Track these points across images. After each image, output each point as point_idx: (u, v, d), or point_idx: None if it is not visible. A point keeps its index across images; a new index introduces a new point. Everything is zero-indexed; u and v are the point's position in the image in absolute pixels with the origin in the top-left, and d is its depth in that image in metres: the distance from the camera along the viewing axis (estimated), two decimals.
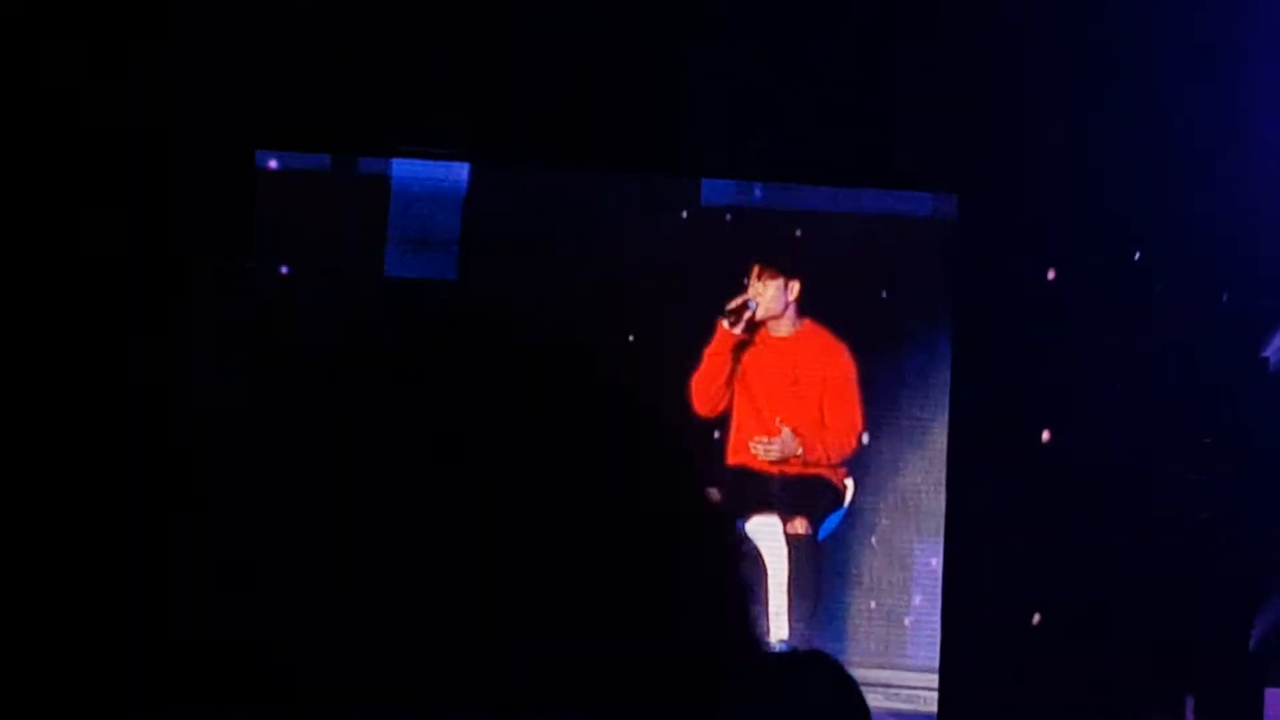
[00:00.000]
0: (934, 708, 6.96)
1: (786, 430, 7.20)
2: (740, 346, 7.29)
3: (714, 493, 7.16)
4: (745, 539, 7.23)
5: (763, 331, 7.33)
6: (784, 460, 7.21)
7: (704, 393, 7.33)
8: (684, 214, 7.33)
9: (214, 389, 6.68)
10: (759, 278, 7.26)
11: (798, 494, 7.15)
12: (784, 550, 7.14)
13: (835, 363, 7.28)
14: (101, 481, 6.47)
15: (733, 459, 7.36)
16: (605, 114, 6.83)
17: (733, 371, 7.30)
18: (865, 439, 7.38)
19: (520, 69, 6.75)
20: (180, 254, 6.56)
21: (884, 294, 7.83)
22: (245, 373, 6.83)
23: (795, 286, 7.28)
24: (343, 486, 6.68)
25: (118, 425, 6.50)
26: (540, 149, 7.13)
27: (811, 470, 7.21)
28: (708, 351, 7.31)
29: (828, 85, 6.72)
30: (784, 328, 7.32)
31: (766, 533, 7.20)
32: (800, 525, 7.11)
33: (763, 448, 7.23)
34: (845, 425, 7.25)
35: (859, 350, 7.36)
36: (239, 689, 6.39)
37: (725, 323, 7.24)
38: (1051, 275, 6.65)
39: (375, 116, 6.87)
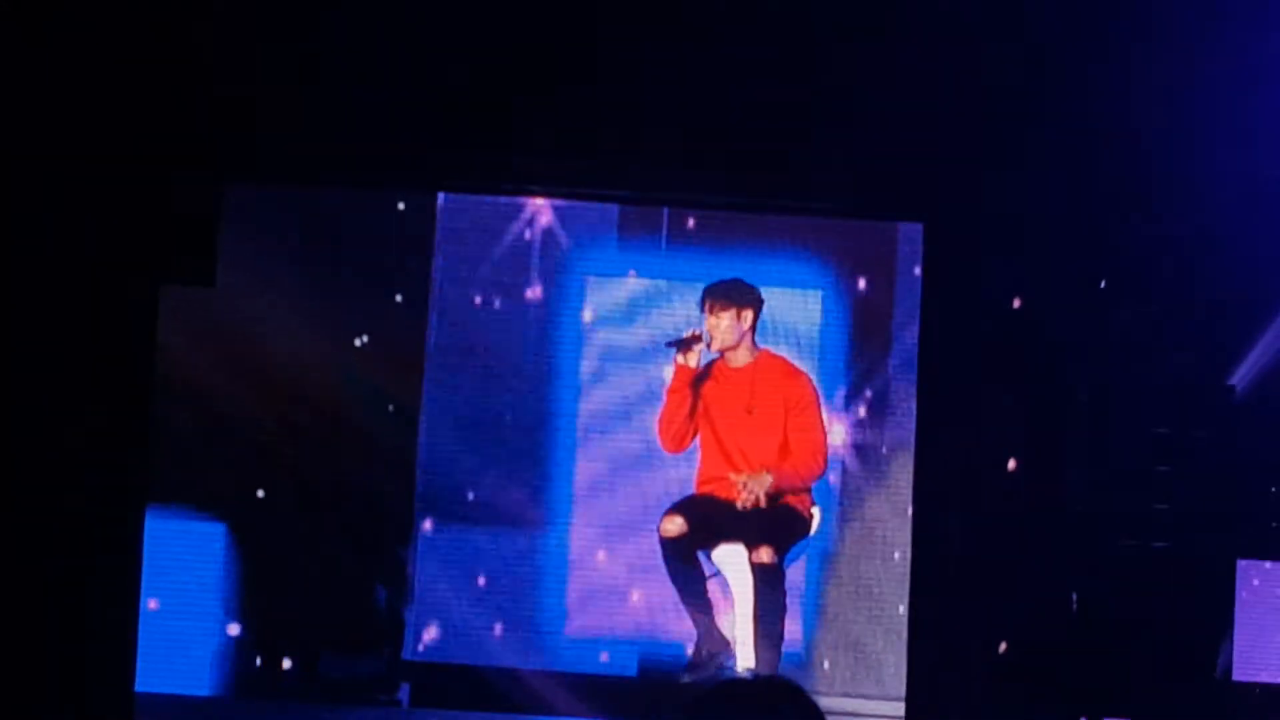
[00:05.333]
0: None
1: (765, 475, 7.15)
2: (698, 380, 7.28)
3: (680, 521, 7.13)
4: (711, 568, 7.21)
5: (720, 363, 7.33)
6: (760, 496, 7.14)
7: (667, 430, 7.33)
8: None
9: None
10: (711, 311, 7.24)
11: (764, 523, 7.12)
12: (749, 579, 7.10)
13: (795, 387, 7.25)
14: None
15: (700, 489, 7.34)
16: (564, 139, 6.82)
17: (694, 406, 7.29)
18: (830, 467, 7.37)
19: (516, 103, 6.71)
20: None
21: (851, 323, 7.86)
22: None
23: (749, 315, 7.26)
24: None
25: None
26: (503, 174, 7.12)
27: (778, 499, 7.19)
28: (668, 390, 7.31)
29: (791, 112, 6.72)
30: (740, 357, 7.31)
31: (732, 562, 7.18)
32: (766, 554, 7.07)
33: (743, 486, 7.15)
34: (811, 448, 7.22)
35: (824, 381, 7.35)
36: None
37: (678, 356, 7.23)
38: (1017, 304, 6.65)
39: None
